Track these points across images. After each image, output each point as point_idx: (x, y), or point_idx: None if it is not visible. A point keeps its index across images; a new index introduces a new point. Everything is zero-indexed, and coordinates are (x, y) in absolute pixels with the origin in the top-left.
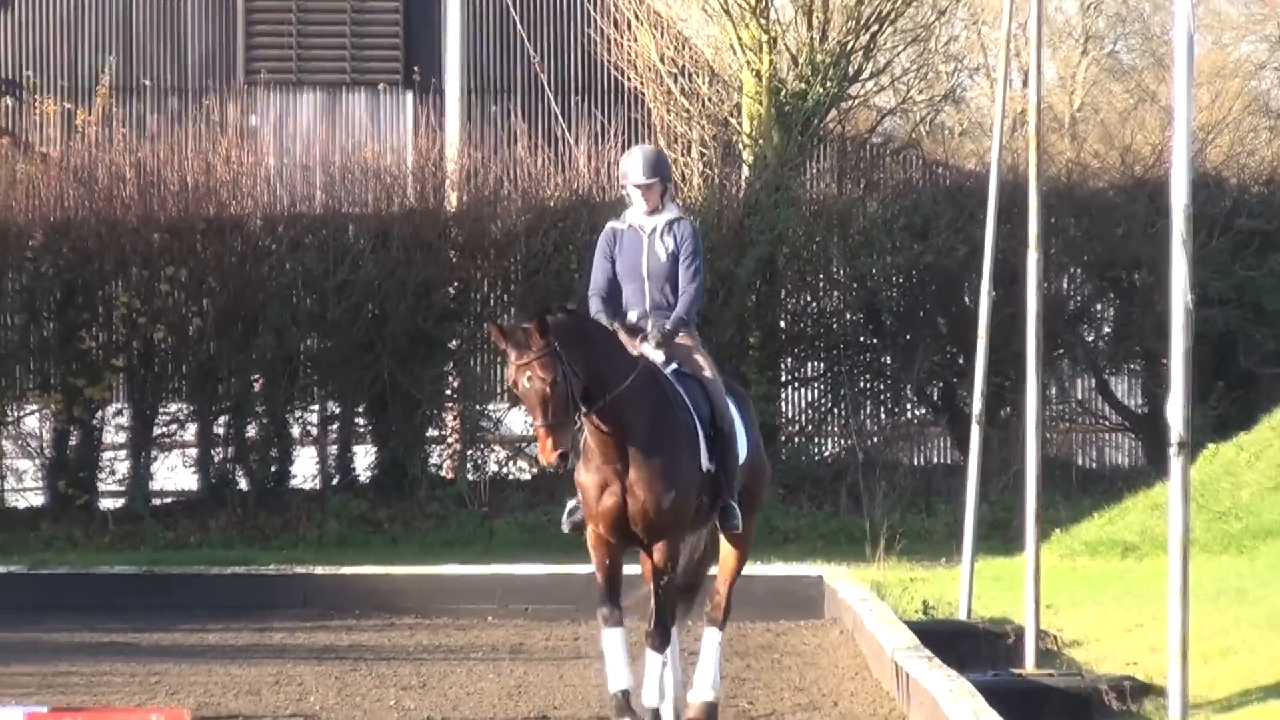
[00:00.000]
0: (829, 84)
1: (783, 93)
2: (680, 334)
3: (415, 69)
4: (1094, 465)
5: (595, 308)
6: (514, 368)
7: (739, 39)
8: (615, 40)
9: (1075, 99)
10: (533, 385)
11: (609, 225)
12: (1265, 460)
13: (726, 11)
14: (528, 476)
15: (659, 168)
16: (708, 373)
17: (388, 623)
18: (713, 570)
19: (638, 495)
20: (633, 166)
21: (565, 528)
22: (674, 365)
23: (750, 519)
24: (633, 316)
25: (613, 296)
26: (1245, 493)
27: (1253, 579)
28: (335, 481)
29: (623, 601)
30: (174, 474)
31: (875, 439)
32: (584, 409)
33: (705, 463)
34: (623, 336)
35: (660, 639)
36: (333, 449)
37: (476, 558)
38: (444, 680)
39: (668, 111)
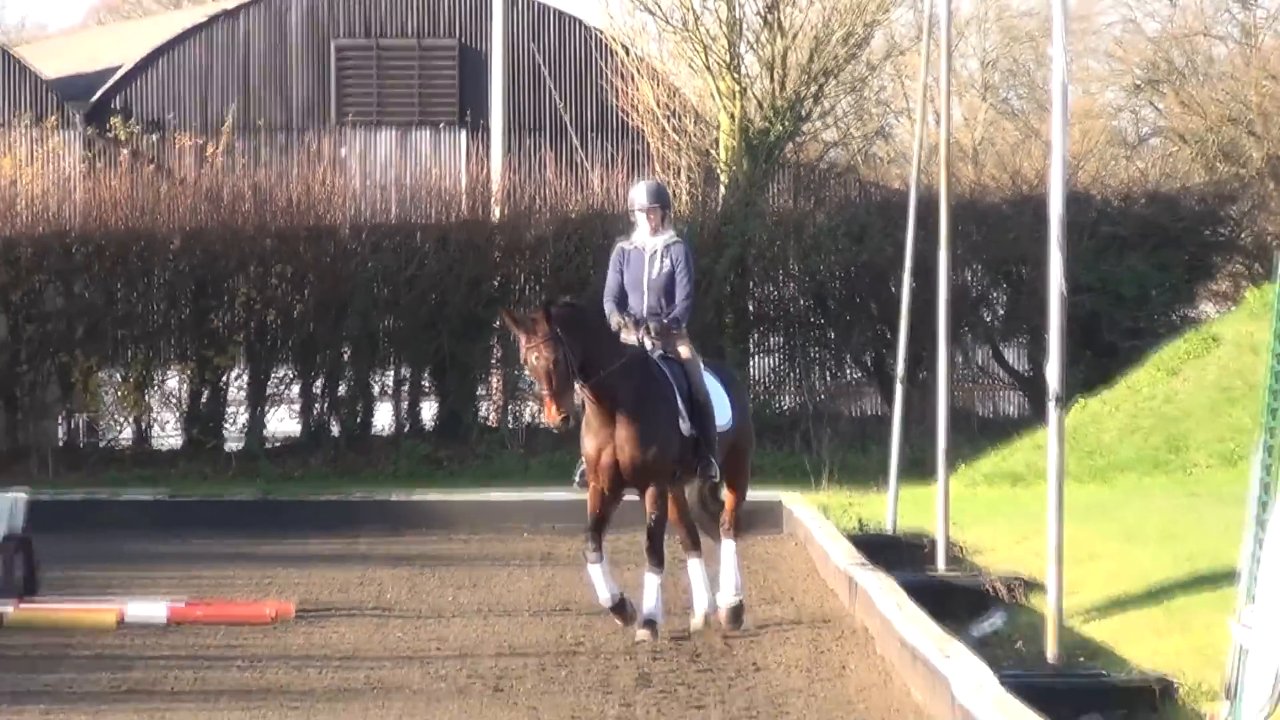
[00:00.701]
0: (787, 123)
1: (751, 130)
2: (673, 330)
3: (468, 112)
4: (990, 415)
5: (610, 309)
6: (524, 349)
7: (717, 89)
8: (621, 89)
9: (976, 134)
10: (539, 363)
11: (619, 245)
12: (1122, 411)
13: (708, 68)
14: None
15: (659, 196)
16: (688, 357)
17: (447, 537)
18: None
19: (625, 451)
20: (639, 195)
21: (576, 484)
22: (660, 352)
23: (742, 469)
24: (634, 317)
25: (621, 301)
26: (1107, 436)
27: (1112, 502)
28: (407, 429)
29: (604, 544)
30: (282, 423)
31: (822, 396)
32: (581, 382)
33: (686, 428)
34: (627, 329)
35: (655, 563)
36: (405, 404)
37: (515, 487)
38: (490, 580)
39: (662, 144)
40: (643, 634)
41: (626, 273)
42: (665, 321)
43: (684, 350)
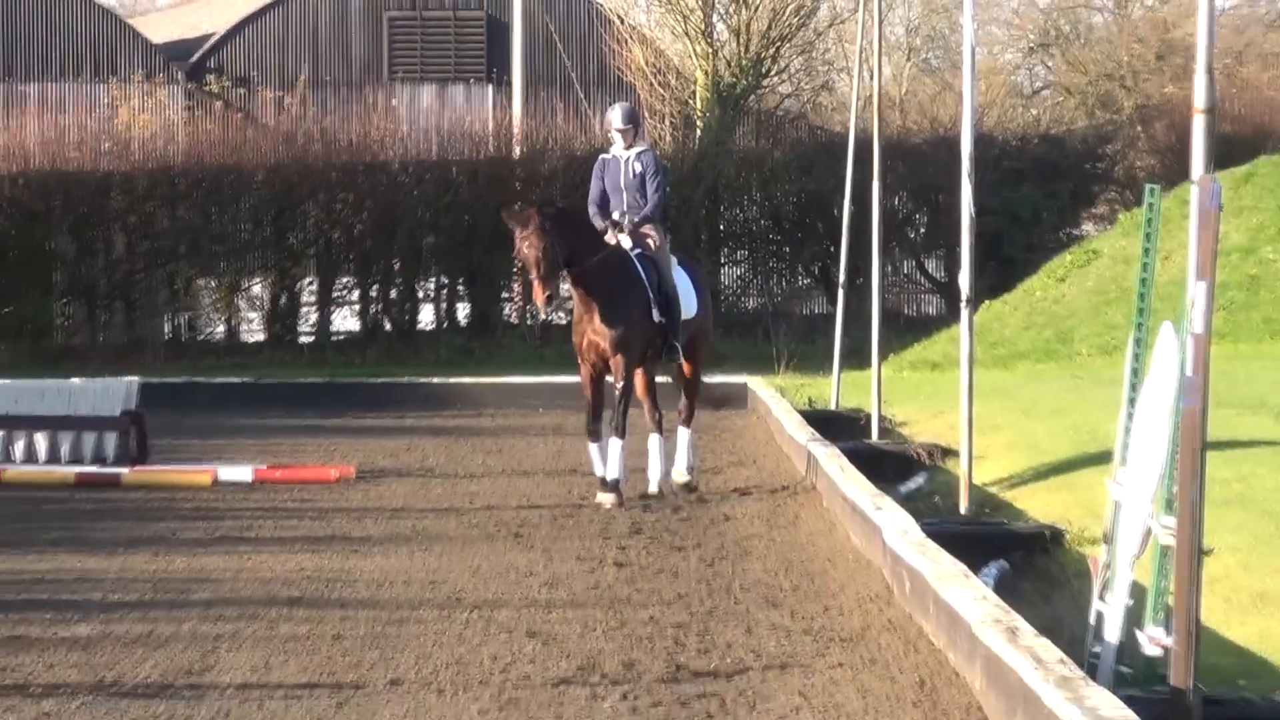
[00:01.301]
0: (750, 79)
1: (721, 84)
2: (646, 226)
3: (494, 70)
4: (915, 314)
5: (593, 211)
6: (518, 239)
7: (694, 51)
8: (617, 51)
9: (903, 88)
10: (530, 251)
11: (600, 157)
12: (1020, 311)
13: (686, 34)
14: (565, 321)
15: (631, 118)
16: (659, 246)
17: (477, 413)
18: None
19: (597, 331)
20: (615, 116)
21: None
22: (638, 250)
23: (697, 365)
24: (615, 215)
25: (603, 204)
26: (1007, 330)
27: (1012, 384)
28: (445, 325)
29: (600, 425)
30: (345, 321)
31: (779, 298)
32: (565, 271)
33: (656, 316)
34: (610, 232)
35: (619, 431)
36: (444, 305)
37: (533, 372)
38: (512, 448)
39: (650, 96)
40: (608, 498)
41: (606, 178)
42: (639, 218)
43: (653, 242)
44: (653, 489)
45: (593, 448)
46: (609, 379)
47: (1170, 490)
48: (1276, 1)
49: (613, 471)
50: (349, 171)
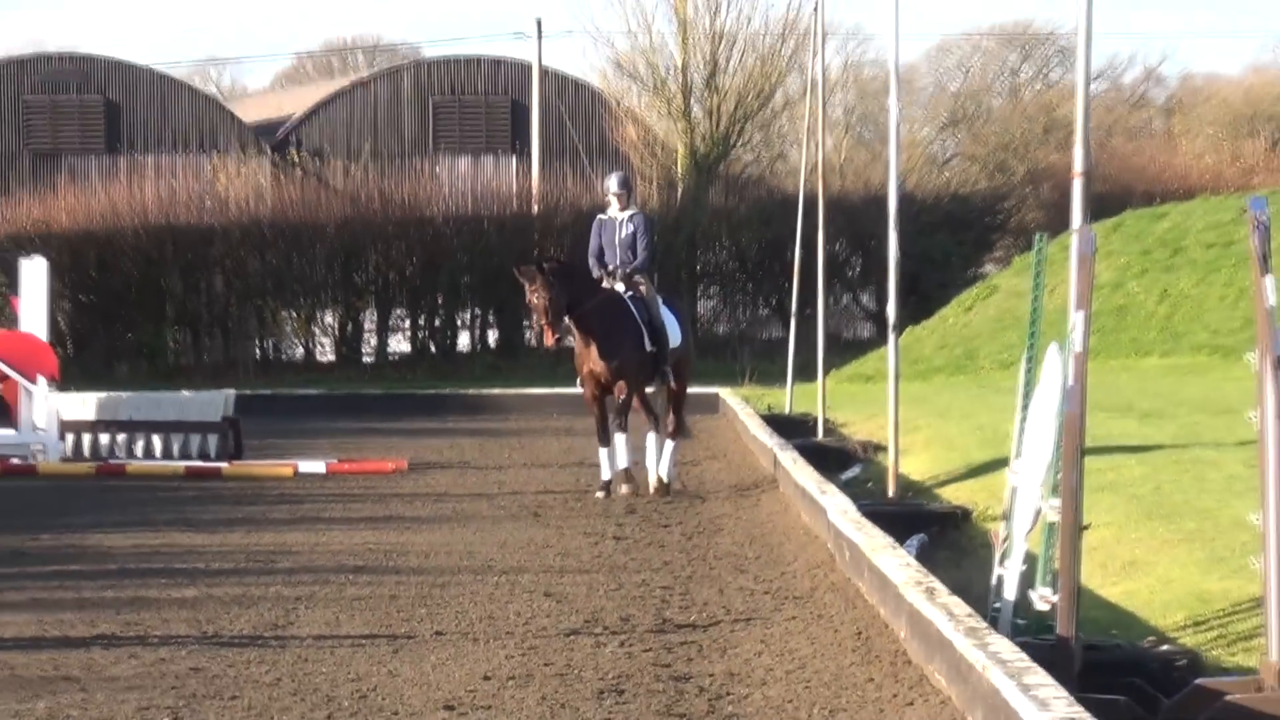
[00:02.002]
0: (720, 149)
1: (697, 154)
2: (638, 276)
3: (517, 144)
4: (852, 337)
5: (592, 264)
6: (528, 291)
7: (676, 128)
8: (614, 128)
9: (842, 156)
10: (538, 301)
11: (598, 217)
12: (936, 335)
13: (670, 114)
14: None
15: (625, 183)
16: (647, 293)
17: (504, 418)
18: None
19: (597, 364)
20: (611, 183)
21: (578, 386)
22: (630, 293)
23: (683, 383)
24: (609, 267)
25: (600, 257)
26: (926, 350)
27: (931, 393)
28: (479, 348)
29: (611, 428)
30: (399, 345)
31: (744, 325)
32: (568, 315)
33: (648, 346)
34: (608, 279)
35: (620, 430)
36: (478, 332)
37: (548, 385)
38: (532, 444)
39: (641, 163)
40: (625, 489)
41: (603, 236)
42: (630, 270)
43: (644, 289)
44: (651, 479)
45: (603, 452)
46: (608, 398)
47: (1056, 478)
48: (1139, 87)
49: (620, 464)
50: (402, 225)
